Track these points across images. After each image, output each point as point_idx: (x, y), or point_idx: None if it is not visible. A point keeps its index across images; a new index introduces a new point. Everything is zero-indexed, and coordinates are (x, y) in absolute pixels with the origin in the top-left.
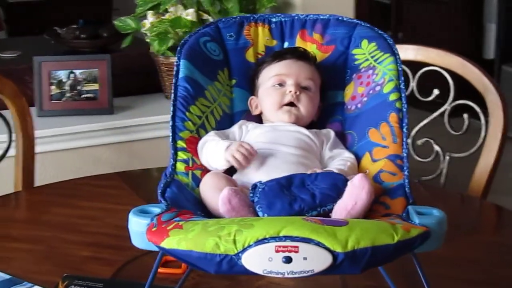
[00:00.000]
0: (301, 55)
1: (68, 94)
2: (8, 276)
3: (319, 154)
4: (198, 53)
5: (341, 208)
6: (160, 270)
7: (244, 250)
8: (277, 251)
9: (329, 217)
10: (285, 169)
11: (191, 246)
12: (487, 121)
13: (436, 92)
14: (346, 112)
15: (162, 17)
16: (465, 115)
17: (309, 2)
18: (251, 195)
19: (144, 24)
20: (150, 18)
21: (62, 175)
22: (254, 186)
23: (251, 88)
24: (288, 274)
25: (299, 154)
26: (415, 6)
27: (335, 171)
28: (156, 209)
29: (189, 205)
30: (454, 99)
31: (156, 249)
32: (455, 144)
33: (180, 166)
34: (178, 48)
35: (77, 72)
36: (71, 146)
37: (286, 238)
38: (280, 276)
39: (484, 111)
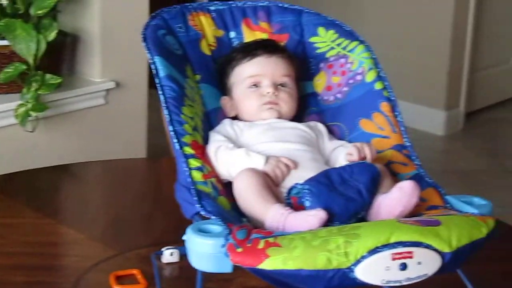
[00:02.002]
0: (273, 49)
1: None
2: None
3: (318, 147)
4: (165, 48)
5: (388, 212)
6: (116, 287)
7: (358, 262)
8: (393, 259)
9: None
10: (309, 167)
11: (301, 265)
12: None
13: None
14: (323, 103)
15: None
16: None
17: None
18: (288, 197)
19: None
20: None
21: None
22: (292, 188)
23: (218, 84)
24: (404, 281)
25: (309, 150)
26: None
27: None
28: (214, 227)
29: (226, 215)
30: None
31: (229, 269)
32: None
33: (197, 175)
34: (143, 44)
35: None
36: None
37: (398, 244)
38: (397, 284)
39: None
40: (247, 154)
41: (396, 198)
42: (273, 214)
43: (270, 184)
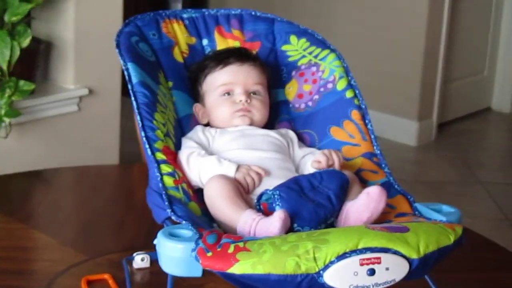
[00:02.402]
0: (245, 57)
1: None
2: None
3: (289, 154)
4: (138, 54)
5: (357, 218)
6: None
7: (327, 267)
8: (361, 264)
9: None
10: (280, 175)
11: (269, 269)
12: None
13: None
14: (294, 111)
15: None
16: None
17: None
18: (258, 203)
19: None
20: None
21: None
22: (262, 194)
23: (190, 91)
24: (372, 286)
25: (280, 158)
26: None
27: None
28: (185, 231)
29: (197, 220)
30: None
31: (199, 273)
32: None
33: (168, 180)
34: (117, 50)
35: None
36: None
37: (366, 250)
38: None
39: None
40: (219, 162)
41: (364, 204)
42: (244, 220)
43: (241, 191)
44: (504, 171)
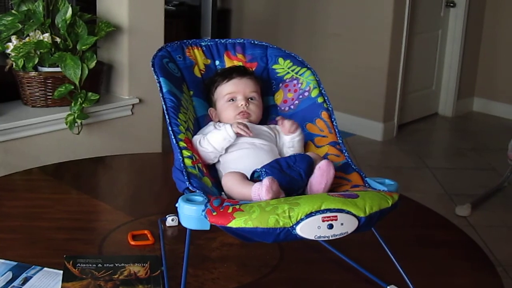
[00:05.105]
0: (244, 72)
1: None
2: (14, 263)
3: (276, 142)
4: (167, 71)
5: (317, 186)
6: (132, 242)
7: (298, 222)
8: (323, 221)
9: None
10: (267, 156)
11: (257, 224)
12: None
13: None
14: (280, 112)
15: (24, 40)
16: None
17: (133, 26)
18: (250, 179)
19: (8, 46)
20: (14, 41)
21: None
22: (254, 172)
23: (206, 99)
24: (331, 236)
25: (267, 144)
26: None
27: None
28: (198, 197)
29: (208, 190)
30: None
31: (207, 227)
32: None
33: (188, 161)
34: (152, 68)
35: None
36: None
37: (327, 210)
38: (326, 239)
39: None
40: (217, 128)
41: (319, 175)
42: (254, 190)
43: (245, 178)
44: (446, 159)
